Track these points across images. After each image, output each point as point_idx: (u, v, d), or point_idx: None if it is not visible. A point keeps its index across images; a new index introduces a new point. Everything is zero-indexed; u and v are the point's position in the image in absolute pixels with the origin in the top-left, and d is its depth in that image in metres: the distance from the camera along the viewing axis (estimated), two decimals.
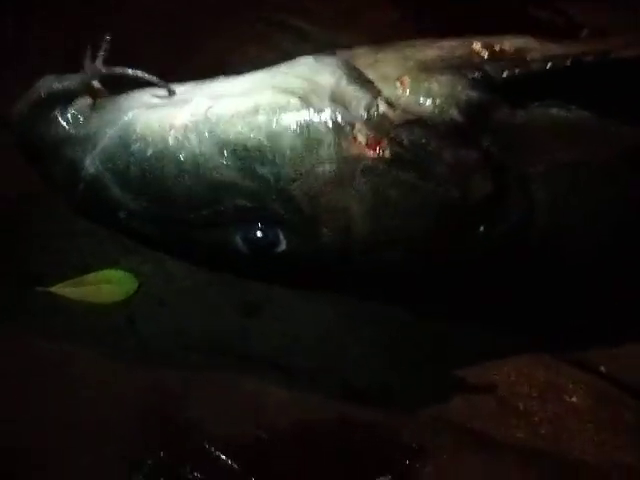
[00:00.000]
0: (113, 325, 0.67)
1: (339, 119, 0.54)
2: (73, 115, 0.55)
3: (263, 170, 0.53)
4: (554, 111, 0.58)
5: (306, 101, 0.54)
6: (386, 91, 0.55)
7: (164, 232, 0.59)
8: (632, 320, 0.70)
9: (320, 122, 0.54)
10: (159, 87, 0.56)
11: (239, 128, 0.53)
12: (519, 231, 0.58)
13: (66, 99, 0.55)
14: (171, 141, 0.54)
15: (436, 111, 0.55)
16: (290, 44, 0.92)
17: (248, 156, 0.53)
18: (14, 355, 0.65)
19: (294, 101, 0.54)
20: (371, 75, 0.57)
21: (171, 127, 0.54)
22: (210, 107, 0.54)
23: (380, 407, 0.65)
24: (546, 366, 0.69)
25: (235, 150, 0.53)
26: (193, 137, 0.53)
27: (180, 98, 0.56)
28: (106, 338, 0.67)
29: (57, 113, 0.55)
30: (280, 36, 0.92)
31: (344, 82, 0.56)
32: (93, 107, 0.56)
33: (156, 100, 0.56)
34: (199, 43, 0.86)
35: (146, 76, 0.56)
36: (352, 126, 0.54)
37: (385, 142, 0.54)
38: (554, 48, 0.60)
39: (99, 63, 0.57)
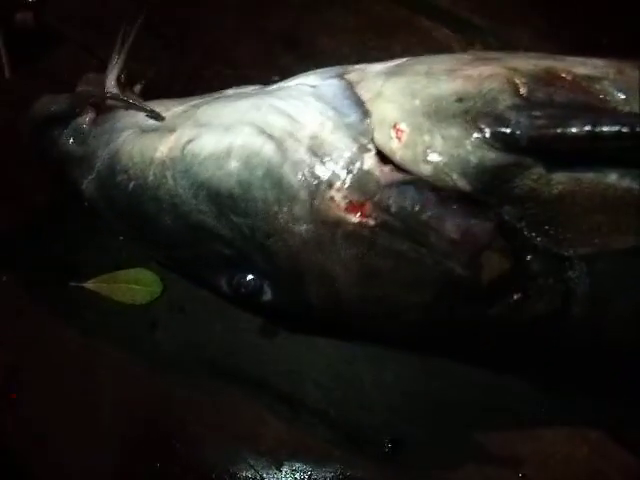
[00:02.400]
0: (134, 327, 0.67)
1: (315, 175, 0.45)
2: (72, 134, 0.54)
3: (238, 220, 0.47)
4: (612, 179, 0.43)
5: (281, 148, 0.46)
6: (379, 139, 0.45)
7: (162, 258, 0.57)
8: None
9: (294, 176, 0.46)
10: (150, 116, 0.53)
11: (211, 172, 0.48)
12: (548, 321, 0.47)
13: (64, 118, 0.54)
14: (150, 177, 0.50)
15: (436, 175, 0.44)
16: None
17: (221, 203, 0.48)
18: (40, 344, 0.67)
19: (268, 147, 0.47)
20: (370, 112, 0.47)
21: (151, 161, 0.50)
22: (189, 141, 0.49)
23: (384, 465, 0.60)
24: (591, 446, 0.59)
25: (209, 195, 0.48)
26: (170, 176, 0.49)
27: (168, 123, 0.52)
28: (126, 340, 0.67)
29: (57, 134, 0.54)
30: None
31: (330, 125, 0.46)
32: (95, 122, 0.55)
33: (148, 122, 0.53)
34: None
35: (140, 105, 0.53)
36: (330, 185, 0.45)
37: (369, 206, 0.44)
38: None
39: (111, 81, 0.56)
